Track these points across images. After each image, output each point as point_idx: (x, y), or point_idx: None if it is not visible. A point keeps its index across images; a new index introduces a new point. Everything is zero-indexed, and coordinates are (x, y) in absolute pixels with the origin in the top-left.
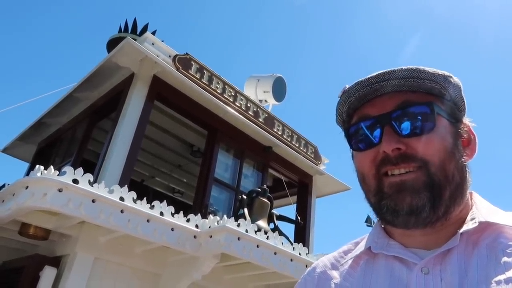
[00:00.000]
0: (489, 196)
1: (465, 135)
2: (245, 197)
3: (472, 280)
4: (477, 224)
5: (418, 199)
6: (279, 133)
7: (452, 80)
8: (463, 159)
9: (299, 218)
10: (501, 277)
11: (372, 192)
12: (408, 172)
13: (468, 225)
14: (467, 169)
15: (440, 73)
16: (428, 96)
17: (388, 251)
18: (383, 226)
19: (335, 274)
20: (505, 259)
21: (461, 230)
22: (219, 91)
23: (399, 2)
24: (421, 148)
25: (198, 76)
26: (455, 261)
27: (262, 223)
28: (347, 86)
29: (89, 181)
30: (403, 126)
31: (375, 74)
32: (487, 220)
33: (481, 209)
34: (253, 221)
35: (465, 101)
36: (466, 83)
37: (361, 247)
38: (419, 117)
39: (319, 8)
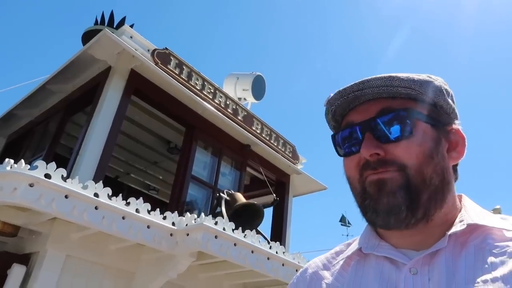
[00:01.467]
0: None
1: (452, 138)
2: (222, 194)
3: (460, 280)
4: (465, 226)
5: (393, 199)
6: (258, 131)
7: (433, 83)
8: (443, 162)
9: (275, 195)
10: (488, 276)
11: (358, 195)
12: (386, 171)
13: (457, 227)
14: (449, 171)
15: (416, 78)
16: (407, 101)
17: (379, 251)
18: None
19: (326, 274)
20: (492, 259)
21: (450, 232)
22: (198, 88)
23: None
24: (399, 153)
25: (177, 71)
26: (443, 261)
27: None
28: (331, 95)
29: (62, 176)
30: (381, 132)
31: (351, 84)
32: (475, 222)
33: (470, 211)
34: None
35: (451, 103)
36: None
37: (352, 248)
38: (396, 123)
39: (300, 7)
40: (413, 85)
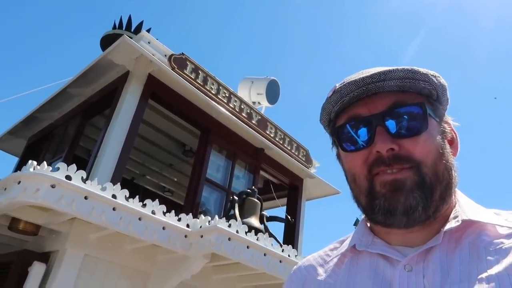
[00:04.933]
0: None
1: (449, 134)
2: (236, 197)
3: (454, 277)
4: (460, 222)
5: (412, 198)
6: (272, 135)
7: (440, 79)
8: (451, 159)
9: (289, 217)
10: (483, 274)
11: (364, 193)
12: (400, 170)
13: (451, 224)
14: (455, 167)
15: (431, 73)
16: (419, 96)
17: (372, 248)
18: (368, 224)
19: (320, 271)
20: (486, 256)
21: (445, 229)
22: (213, 92)
23: (395, 5)
24: (415, 148)
25: (193, 76)
26: (438, 258)
27: (254, 221)
28: (337, 86)
29: (82, 177)
30: (396, 127)
31: (369, 74)
32: (470, 218)
33: (463, 206)
34: (244, 222)
35: (449, 100)
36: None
37: (346, 245)
38: (411, 118)
39: (314, 13)
40: (431, 79)
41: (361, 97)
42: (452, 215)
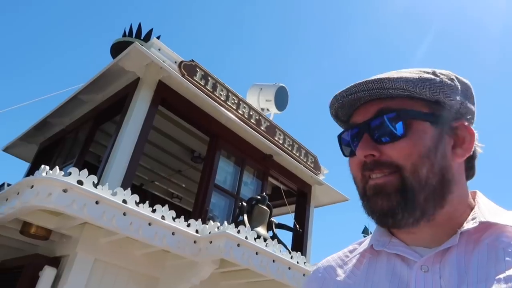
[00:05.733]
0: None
1: (459, 133)
2: (245, 204)
3: (472, 278)
4: (477, 224)
5: (387, 202)
6: (280, 142)
7: (433, 80)
8: (443, 161)
9: (297, 226)
10: (501, 275)
11: (360, 195)
12: (383, 176)
13: (469, 225)
14: (450, 170)
15: (410, 78)
16: (405, 100)
17: (390, 248)
18: None
19: (339, 271)
20: (505, 258)
21: (461, 230)
22: (222, 98)
23: (401, 7)
24: (393, 154)
25: (202, 83)
26: (454, 259)
27: (262, 230)
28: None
29: (93, 182)
30: (377, 134)
31: (346, 87)
32: (488, 220)
33: (483, 209)
34: (252, 228)
35: (459, 98)
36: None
37: (364, 246)
38: (391, 123)
39: (323, 19)
40: (405, 85)
41: (357, 106)
42: (470, 217)
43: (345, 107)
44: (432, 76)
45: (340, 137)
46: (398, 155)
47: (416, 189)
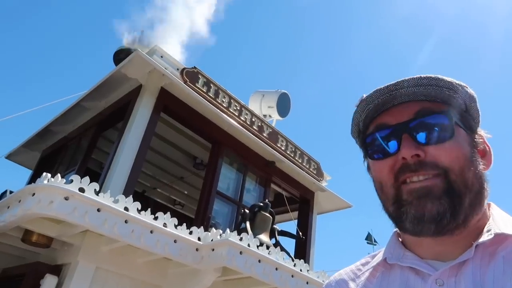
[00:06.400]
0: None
1: (480, 146)
2: (247, 211)
3: None
4: (492, 235)
5: (439, 205)
6: (283, 148)
7: (467, 89)
8: (481, 168)
9: (300, 233)
10: None
11: (391, 201)
12: (427, 178)
13: (484, 237)
14: (484, 178)
15: (457, 82)
16: (445, 105)
17: (403, 262)
18: (399, 238)
19: (352, 285)
20: None
21: (477, 242)
22: (225, 105)
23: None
24: (441, 155)
25: (204, 89)
26: (470, 273)
27: (264, 237)
28: (365, 95)
29: (95, 190)
30: (421, 135)
31: (394, 82)
32: (503, 232)
33: (498, 220)
34: (255, 235)
35: (479, 112)
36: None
37: (378, 259)
38: (437, 125)
39: (325, 25)
40: (456, 88)
41: (387, 107)
42: (485, 229)
43: (375, 107)
44: (464, 85)
45: (365, 139)
46: (445, 157)
47: (463, 192)
